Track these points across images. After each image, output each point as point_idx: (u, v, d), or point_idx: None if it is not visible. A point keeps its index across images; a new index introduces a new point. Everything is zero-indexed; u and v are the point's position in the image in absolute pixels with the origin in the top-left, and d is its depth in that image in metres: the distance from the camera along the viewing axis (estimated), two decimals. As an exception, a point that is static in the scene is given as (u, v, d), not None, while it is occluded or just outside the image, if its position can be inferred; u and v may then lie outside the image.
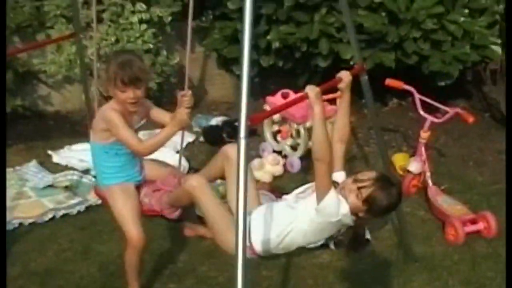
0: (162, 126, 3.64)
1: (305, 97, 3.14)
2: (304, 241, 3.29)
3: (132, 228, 3.53)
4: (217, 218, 3.47)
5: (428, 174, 4.95)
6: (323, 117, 3.10)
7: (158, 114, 3.73)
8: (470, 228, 4.54)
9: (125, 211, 3.57)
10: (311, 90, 3.12)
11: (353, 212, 3.22)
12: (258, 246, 3.28)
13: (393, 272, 4.12)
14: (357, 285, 4.03)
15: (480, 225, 4.56)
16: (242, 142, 2.56)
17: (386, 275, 4.12)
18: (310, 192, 3.28)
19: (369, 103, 3.91)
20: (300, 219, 3.21)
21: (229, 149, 3.69)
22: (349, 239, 3.50)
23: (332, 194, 3.10)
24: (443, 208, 4.71)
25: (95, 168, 3.77)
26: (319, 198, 3.12)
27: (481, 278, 4.11)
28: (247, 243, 3.26)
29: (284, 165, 5.49)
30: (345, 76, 3.39)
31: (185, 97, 3.50)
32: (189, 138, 5.94)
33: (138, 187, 3.76)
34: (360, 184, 3.24)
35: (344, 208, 3.16)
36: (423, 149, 4.98)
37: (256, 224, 3.30)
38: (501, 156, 5.89)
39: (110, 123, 3.44)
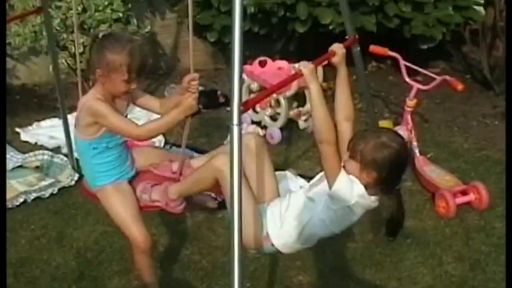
0: None
1: (299, 74, 2.90)
2: (324, 232, 2.99)
3: (135, 231, 3.25)
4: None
5: (415, 143, 4.77)
6: (322, 95, 2.85)
7: (145, 100, 3.42)
8: (461, 199, 4.39)
9: (124, 213, 3.27)
10: (305, 67, 2.87)
11: (363, 183, 2.90)
12: (276, 240, 3.02)
13: (385, 251, 3.96)
14: (349, 265, 3.88)
15: (471, 196, 4.41)
16: (235, 130, 2.35)
17: (377, 253, 3.96)
18: (323, 179, 2.99)
19: (361, 74, 3.71)
20: (316, 209, 2.95)
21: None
22: (385, 223, 3.16)
23: (343, 175, 2.82)
24: (432, 179, 4.55)
25: (83, 168, 3.42)
26: (331, 183, 2.86)
27: (475, 254, 3.97)
28: (264, 233, 3.02)
29: (264, 136, 5.28)
30: (338, 49, 3.14)
31: (194, 81, 3.20)
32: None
33: (131, 182, 3.42)
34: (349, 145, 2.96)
35: (359, 189, 2.85)
36: (409, 117, 4.79)
37: (272, 216, 3.03)
38: (485, 120, 5.81)
39: (98, 114, 3.13)
